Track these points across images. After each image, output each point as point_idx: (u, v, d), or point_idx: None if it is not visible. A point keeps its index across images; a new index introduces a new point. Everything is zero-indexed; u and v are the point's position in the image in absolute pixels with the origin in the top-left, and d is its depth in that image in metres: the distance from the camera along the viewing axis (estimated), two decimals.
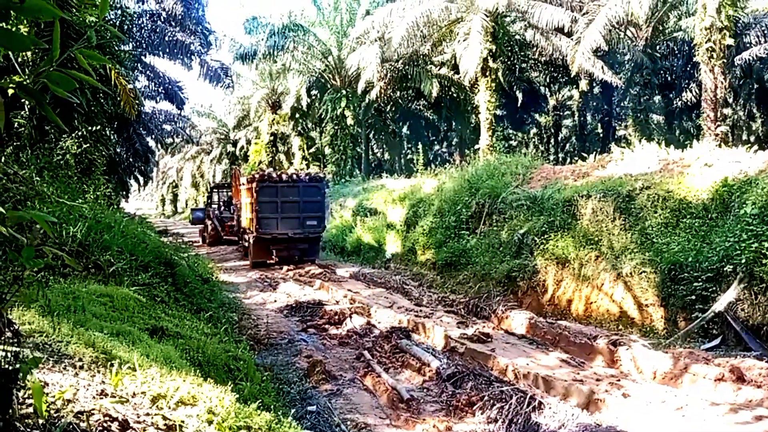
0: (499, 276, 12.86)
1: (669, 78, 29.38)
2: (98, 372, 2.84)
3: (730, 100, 27.07)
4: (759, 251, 8.33)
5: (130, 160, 29.83)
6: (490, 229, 14.63)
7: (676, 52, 27.91)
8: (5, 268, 1.95)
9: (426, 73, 28.66)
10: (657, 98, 29.50)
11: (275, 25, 29.16)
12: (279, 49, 29.01)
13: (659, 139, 16.98)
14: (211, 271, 12.50)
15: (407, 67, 29.32)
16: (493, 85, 22.94)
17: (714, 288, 8.78)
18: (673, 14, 26.64)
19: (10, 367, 1.82)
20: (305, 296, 12.90)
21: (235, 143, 53.54)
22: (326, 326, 10.11)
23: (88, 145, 11.75)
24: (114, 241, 7.43)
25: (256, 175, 19.51)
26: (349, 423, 5.67)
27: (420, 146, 37.16)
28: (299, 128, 37.02)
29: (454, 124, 35.87)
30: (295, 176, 19.57)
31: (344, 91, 31.51)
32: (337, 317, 10.48)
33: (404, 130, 40.62)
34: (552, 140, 43.87)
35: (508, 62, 28.00)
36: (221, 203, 29.52)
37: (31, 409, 1.95)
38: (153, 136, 32.75)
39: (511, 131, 40.03)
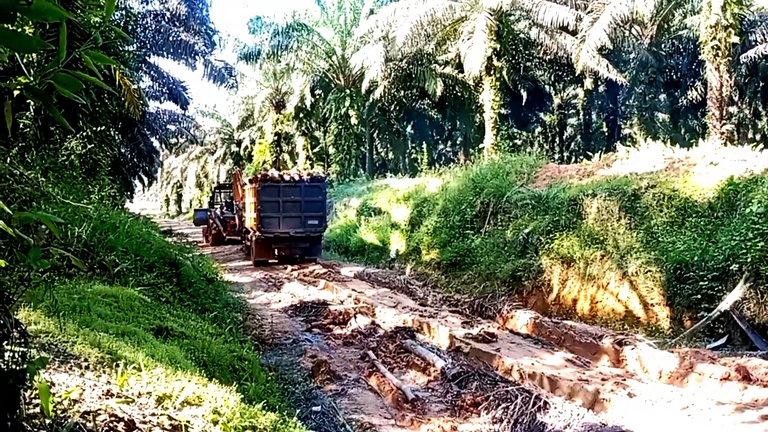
0: (504, 275, 12.84)
1: (674, 76, 29.29)
2: (104, 372, 2.85)
3: (736, 99, 26.97)
4: (765, 250, 8.30)
5: (135, 160, 29.95)
6: (494, 229, 14.61)
7: (682, 50, 27.81)
8: (12, 268, 1.96)
9: (430, 72, 28.65)
10: (662, 97, 29.41)
11: (279, 25, 29.19)
12: (283, 48, 29.04)
13: (665, 137, 16.97)
14: (216, 271, 12.52)
15: (411, 66, 29.32)
16: (498, 83, 22.91)
17: (720, 287, 8.74)
18: (678, 12, 26.56)
19: (18, 367, 1.83)
20: (309, 296, 12.91)
21: (239, 143, 53.62)
22: (331, 326, 10.11)
23: (92, 145, 11.79)
24: (119, 242, 7.45)
25: (259, 175, 19.80)
26: (353, 423, 5.67)
27: (424, 145, 37.14)
28: (303, 128, 37.04)
29: (458, 123, 35.84)
30: (296, 176, 19.82)
31: (348, 91, 31.51)
32: (341, 317, 10.49)
33: (408, 129, 40.61)
34: (557, 139, 43.81)
35: (513, 61, 27.98)
36: (223, 204, 29.82)
37: (38, 409, 1.96)
38: (157, 137, 32.85)
39: (515, 130, 39.98)
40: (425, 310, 11.30)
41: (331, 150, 33.95)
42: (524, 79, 31.49)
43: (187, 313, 7.18)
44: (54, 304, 3.53)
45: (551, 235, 12.37)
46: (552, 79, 36.46)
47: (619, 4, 19.28)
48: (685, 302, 9.19)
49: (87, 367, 2.87)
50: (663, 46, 27.17)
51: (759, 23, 23.16)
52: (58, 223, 1.76)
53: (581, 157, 19.61)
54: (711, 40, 16.22)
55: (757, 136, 28.51)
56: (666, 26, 26.52)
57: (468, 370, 7.03)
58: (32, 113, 10.23)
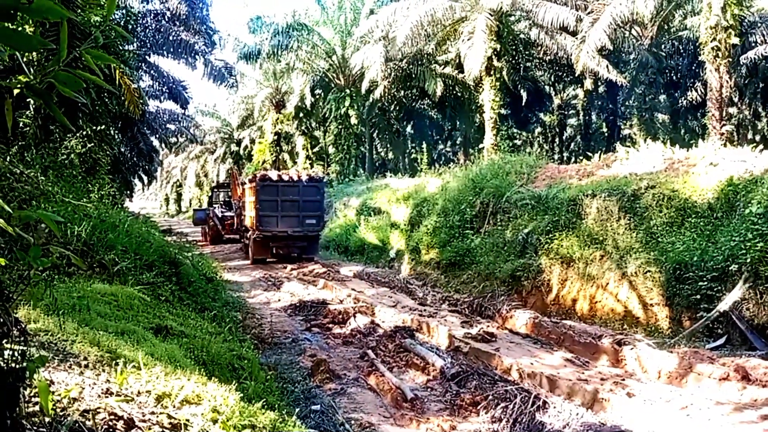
0: (504, 275, 12.84)
1: (674, 77, 29.29)
2: (103, 371, 2.85)
3: (736, 99, 26.94)
4: (764, 250, 8.31)
5: (135, 159, 29.94)
6: (494, 229, 14.62)
7: (682, 51, 27.81)
8: (12, 266, 1.96)
9: (430, 73, 28.65)
10: (662, 97, 29.41)
11: (279, 25, 29.19)
12: (283, 48, 29.04)
13: (664, 138, 16.97)
14: (215, 270, 12.52)
15: (411, 66, 29.32)
16: (498, 84, 22.90)
17: (719, 287, 8.75)
18: (678, 13, 26.56)
19: (17, 366, 1.83)
20: (309, 295, 12.92)
21: (239, 143, 53.62)
22: (330, 325, 10.11)
23: (92, 144, 11.78)
24: (118, 241, 7.45)
25: (258, 175, 20.14)
26: (353, 422, 5.67)
27: (424, 145, 37.17)
28: (303, 128, 37.03)
29: (458, 123, 35.83)
30: (295, 176, 20.11)
31: (348, 91, 31.51)
32: (341, 316, 10.49)
33: (408, 129, 40.61)
34: (557, 139, 43.79)
35: (513, 61, 27.98)
36: (222, 203, 29.99)
37: (37, 408, 1.96)
38: (157, 136, 32.84)
39: (515, 130, 39.97)
40: (424, 310, 11.31)
41: (331, 150, 33.95)
42: (524, 80, 31.49)
43: (187, 312, 7.19)
44: (54, 302, 3.54)
45: (551, 235, 12.38)
46: (552, 79, 36.45)
47: (619, 4, 19.29)
48: (685, 302, 9.20)
49: (86, 366, 2.87)
50: (663, 46, 27.18)
51: (759, 24, 23.16)
52: (57, 221, 1.76)
53: (581, 157, 19.61)
54: (711, 41, 16.22)
55: (757, 137, 28.50)
56: (666, 27, 26.53)
57: (467, 369, 7.04)
58: (32, 112, 10.24)
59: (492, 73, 22.60)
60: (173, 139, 40.76)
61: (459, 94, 31.05)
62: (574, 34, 22.44)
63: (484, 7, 21.94)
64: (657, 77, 26.24)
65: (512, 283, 12.68)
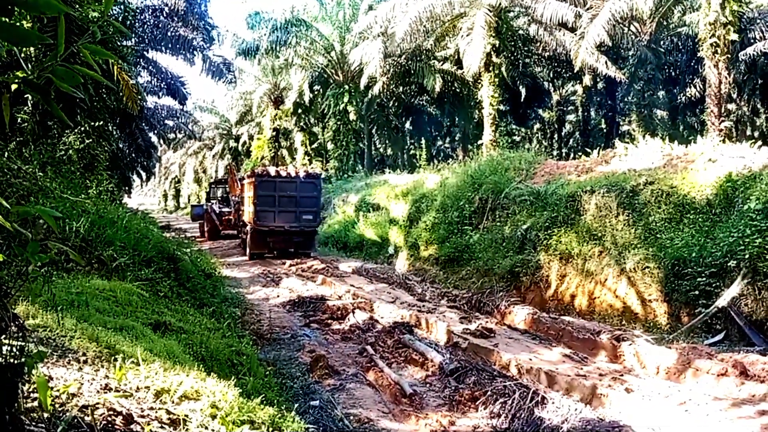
0: (502, 271, 12.85)
1: (673, 73, 29.29)
2: (102, 366, 2.85)
3: (734, 96, 26.97)
4: (763, 246, 8.32)
5: (133, 155, 29.93)
6: (493, 225, 14.63)
7: (680, 47, 27.80)
8: (10, 262, 1.96)
9: (429, 69, 28.61)
10: (661, 93, 29.41)
11: (278, 20, 29.10)
12: (281, 44, 28.97)
13: (663, 134, 16.99)
14: (214, 266, 12.52)
15: (410, 62, 29.27)
16: (497, 80, 22.87)
17: (717, 283, 8.77)
18: (677, 9, 26.53)
19: (16, 361, 1.83)
20: (308, 291, 12.92)
21: (237, 139, 53.58)
22: (329, 321, 10.12)
23: (90, 140, 11.77)
24: (117, 237, 7.45)
25: (256, 171, 20.44)
26: (352, 417, 5.68)
27: (423, 141, 37.15)
28: (302, 124, 36.99)
29: (457, 119, 35.81)
30: (292, 172, 20.39)
31: (347, 87, 31.47)
32: (339, 312, 10.50)
33: (407, 125, 40.58)
34: (555, 135, 43.78)
35: (512, 57, 27.93)
36: (219, 199, 30.10)
37: (36, 403, 1.96)
38: (155, 132, 32.81)
39: (514, 126, 39.92)
40: (423, 306, 11.32)
41: (330, 146, 33.92)
42: (523, 76, 31.44)
43: (186, 307, 7.19)
44: (52, 298, 3.54)
45: (549, 231, 12.39)
46: (551, 75, 36.41)
47: (618, 0, 19.27)
48: (683, 298, 9.22)
49: (85, 362, 2.87)
50: (662, 43, 27.15)
51: (758, 20, 23.15)
52: (56, 217, 1.76)
53: (580, 153, 19.64)
54: (710, 38, 16.21)
55: (756, 134, 28.50)
56: (665, 23, 26.50)
57: (466, 365, 7.05)
58: (30, 108, 10.21)
59: (491, 69, 22.57)
60: (172, 135, 40.72)
61: (458, 90, 31.01)
62: (573, 30, 22.44)
63: (483, 2, 21.90)
64: (656, 73, 26.23)
65: (511, 279, 12.69)
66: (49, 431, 1.90)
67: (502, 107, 26.68)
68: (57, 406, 2.09)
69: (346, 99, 31.25)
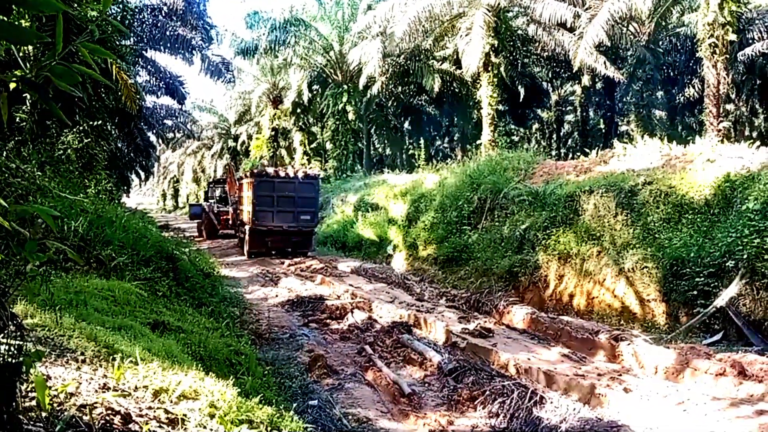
0: (501, 271, 12.86)
1: (671, 73, 29.32)
2: (100, 366, 2.85)
3: (733, 96, 27.01)
4: (761, 247, 8.33)
5: (132, 155, 29.90)
6: (491, 225, 14.63)
7: (679, 47, 27.83)
8: (8, 262, 1.96)
9: (428, 68, 28.62)
10: (659, 94, 29.43)
11: (276, 20, 29.09)
12: (280, 43, 28.97)
13: (661, 134, 16.99)
14: (213, 266, 12.52)
15: (409, 62, 29.28)
16: (495, 80, 22.88)
17: (716, 283, 8.78)
18: (675, 9, 26.55)
19: (14, 361, 1.83)
20: (307, 291, 12.92)
21: (236, 138, 53.55)
22: (328, 321, 10.12)
23: (89, 140, 11.77)
24: (115, 236, 7.44)
25: (255, 171, 20.71)
26: (350, 417, 5.68)
27: (422, 141, 37.10)
28: (300, 123, 36.98)
29: (455, 119, 35.82)
30: (291, 173, 20.60)
31: (346, 86, 31.47)
32: (338, 312, 10.50)
33: (406, 125, 40.57)
34: (554, 136, 43.76)
35: (511, 57, 27.94)
36: (217, 198, 30.18)
37: (34, 403, 1.96)
38: (154, 131, 32.79)
39: (513, 126, 39.93)
40: (422, 306, 11.32)
41: (329, 145, 33.92)
42: (522, 76, 31.44)
43: (184, 307, 7.18)
44: (50, 297, 3.54)
45: (548, 231, 12.39)
46: (549, 75, 36.42)
47: (617, 0, 19.28)
48: (681, 298, 9.23)
49: (83, 361, 2.87)
50: (660, 43, 27.17)
51: (756, 21, 23.19)
52: (54, 216, 1.75)
53: (578, 153, 19.66)
54: (708, 38, 16.22)
55: (754, 134, 28.53)
56: (664, 23, 26.52)
57: (464, 364, 7.05)
58: (29, 107, 10.20)
59: (490, 69, 22.57)
60: (170, 135, 40.73)
61: (457, 90, 31.03)
62: (571, 30, 22.44)
63: (482, 2, 21.90)
64: (654, 74, 26.24)
65: (509, 279, 12.70)
66: (48, 430, 1.90)
67: (500, 107, 26.70)
68: (55, 405, 2.09)
69: (344, 99, 31.26)
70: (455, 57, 27.07)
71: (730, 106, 25.66)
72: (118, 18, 15.16)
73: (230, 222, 26.12)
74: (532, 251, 12.58)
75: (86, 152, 11.80)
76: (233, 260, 19.85)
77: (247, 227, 20.79)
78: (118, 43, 14.18)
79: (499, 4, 21.86)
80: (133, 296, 5.70)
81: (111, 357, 3.00)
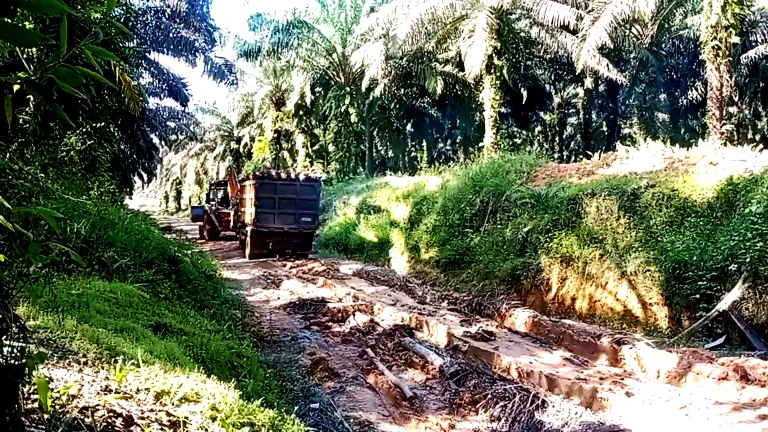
0: (503, 274, 12.84)
1: (674, 76, 29.29)
2: (102, 368, 2.85)
3: (736, 99, 26.94)
4: (764, 250, 8.31)
5: (134, 156, 29.97)
6: (494, 227, 14.62)
7: (682, 50, 27.81)
8: (11, 263, 1.96)
9: (430, 71, 28.63)
10: (662, 96, 29.39)
11: (279, 22, 29.15)
12: (283, 46, 29.02)
13: (664, 137, 16.96)
14: (215, 268, 12.52)
15: (412, 64, 29.30)
16: (498, 82, 22.90)
17: (718, 287, 8.75)
18: (678, 12, 26.54)
19: (16, 362, 1.83)
20: (308, 294, 12.91)
21: (238, 140, 53.60)
22: (329, 324, 10.11)
23: (92, 141, 11.77)
24: (118, 238, 7.44)
25: (257, 173, 20.91)
26: (352, 420, 5.67)
27: (424, 144, 37.15)
28: (303, 125, 37.02)
29: (458, 121, 35.82)
30: (292, 175, 20.90)
31: (348, 89, 31.49)
32: (340, 315, 10.49)
33: (408, 127, 40.59)
34: (557, 138, 43.78)
35: (513, 60, 27.96)
36: (219, 200, 30.31)
37: (36, 404, 1.96)
38: (157, 133, 32.85)
39: (515, 129, 39.95)
40: (424, 308, 11.31)
41: (331, 148, 33.94)
42: (524, 78, 31.45)
43: (186, 309, 7.18)
44: (53, 299, 3.54)
45: (550, 234, 12.38)
46: (552, 78, 36.44)
47: (620, 3, 19.27)
48: (684, 302, 9.20)
49: (85, 363, 2.87)
50: (663, 45, 27.16)
51: (760, 23, 23.17)
52: (57, 218, 1.76)
53: (581, 156, 19.63)
54: (711, 40, 16.21)
55: (757, 137, 28.49)
56: (666, 26, 26.51)
57: (466, 368, 7.04)
58: (32, 109, 10.21)
59: (492, 71, 22.59)
60: (173, 137, 40.77)
61: (459, 93, 31.04)
62: (574, 32, 22.43)
63: (485, 5, 21.93)
64: (657, 76, 26.23)
65: (512, 282, 12.68)
66: None
67: (503, 110, 26.75)
68: (57, 407, 2.09)
69: (347, 101, 31.28)
70: (458, 59, 27.09)
71: (733, 109, 25.60)
72: (122, 20, 15.21)
73: (232, 224, 26.26)
74: (534, 254, 12.56)
75: (89, 154, 11.81)
76: (235, 262, 19.86)
77: (248, 229, 20.93)
78: (121, 45, 14.20)
79: (501, 6, 21.88)
80: (135, 298, 5.70)
81: (113, 359, 3.00)
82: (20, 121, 9.98)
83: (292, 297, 12.66)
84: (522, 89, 31.71)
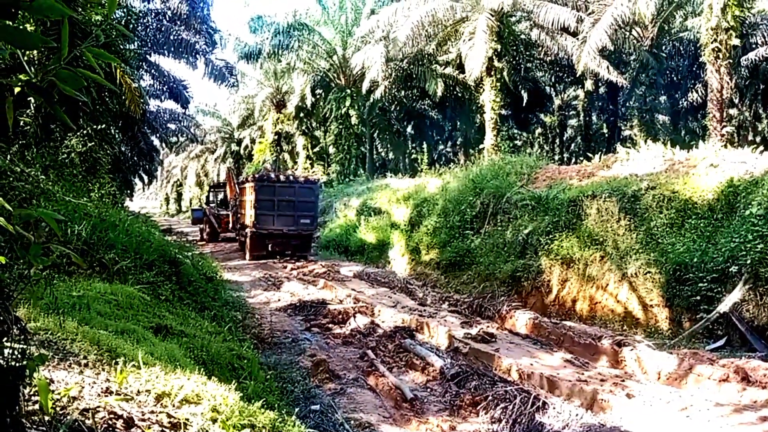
0: (504, 276, 12.84)
1: (675, 78, 29.31)
2: (103, 370, 2.85)
3: (736, 101, 26.93)
4: (764, 252, 8.31)
5: (135, 158, 29.97)
6: (494, 229, 14.62)
7: (682, 52, 27.84)
8: (12, 265, 1.96)
9: (431, 73, 28.66)
10: (663, 98, 29.41)
11: (280, 24, 29.20)
12: (284, 48, 29.07)
13: (665, 139, 16.93)
14: (215, 270, 12.51)
15: (412, 66, 29.33)
16: (498, 84, 22.92)
17: (719, 289, 8.75)
18: (679, 14, 26.58)
19: (17, 364, 1.83)
20: (309, 295, 12.91)
21: (239, 142, 53.64)
22: (330, 325, 10.11)
23: (93, 143, 11.77)
24: (119, 240, 7.44)
25: (256, 175, 21.31)
26: (352, 422, 5.66)
27: (424, 146, 37.13)
28: (304, 127, 37.05)
29: (458, 123, 35.84)
30: (291, 177, 21.28)
31: (349, 91, 31.52)
32: (340, 316, 10.49)
33: (409, 129, 40.62)
34: (557, 140, 43.80)
35: (514, 62, 27.99)
36: (218, 202, 30.44)
37: (37, 406, 1.96)
38: (157, 135, 32.83)
39: (515, 131, 40.01)
40: (424, 310, 11.31)
41: (332, 150, 33.96)
42: (525, 80, 31.48)
43: (187, 311, 7.18)
44: (54, 301, 3.54)
45: (551, 236, 12.37)
46: (552, 80, 36.47)
47: (620, 5, 19.30)
48: (685, 303, 9.20)
49: (86, 365, 2.87)
50: (664, 47, 27.18)
51: (760, 25, 23.19)
52: (58, 220, 1.76)
53: (581, 158, 19.62)
54: (712, 43, 16.22)
55: (758, 139, 28.52)
56: (667, 28, 26.54)
57: (467, 369, 7.04)
58: (33, 111, 10.22)
59: (493, 73, 22.61)
60: (174, 139, 40.77)
61: (460, 95, 31.06)
62: (575, 34, 22.46)
63: (485, 7, 21.94)
64: (657, 78, 26.24)
65: (512, 284, 12.67)
66: None
67: (503, 112, 26.78)
68: (58, 409, 2.09)
69: (348, 103, 31.31)
70: (458, 61, 27.12)
71: (733, 111, 25.57)
72: (123, 22, 15.23)
73: (231, 225, 26.41)
74: (535, 256, 12.56)
75: (90, 156, 11.81)
76: (235, 264, 19.86)
77: (248, 230, 21.12)
78: (122, 47, 14.21)
79: (502, 8, 21.89)
80: (135, 300, 5.70)
81: (114, 361, 3.00)
82: (21, 123, 9.98)
83: (293, 299, 12.66)
84: (522, 91, 31.73)
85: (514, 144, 34.03)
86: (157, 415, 2.39)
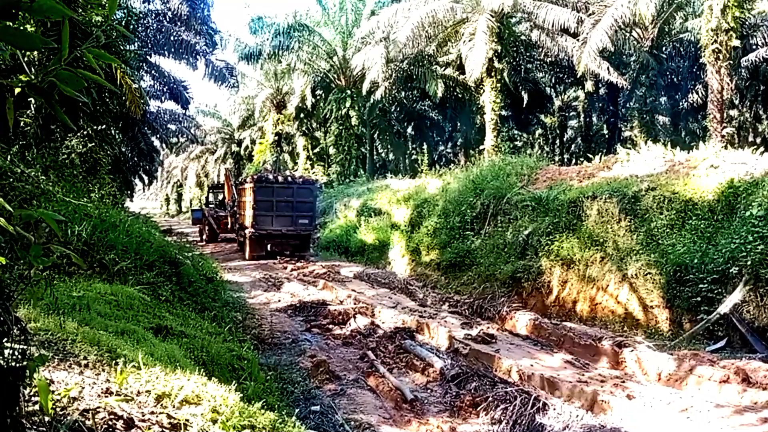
0: (504, 277, 12.83)
1: (675, 79, 29.31)
2: (103, 370, 2.85)
3: (737, 102, 26.95)
4: (765, 253, 8.30)
5: (135, 159, 29.98)
6: (494, 230, 14.61)
7: (682, 53, 27.83)
8: (12, 266, 1.96)
9: (431, 74, 28.67)
10: (663, 99, 29.41)
11: (280, 25, 29.21)
12: (284, 49, 29.09)
13: (665, 140, 16.94)
14: (215, 271, 12.51)
15: (412, 67, 29.33)
16: (499, 85, 22.93)
17: (719, 290, 8.74)
18: (679, 15, 26.56)
19: (18, 365, 1.83)
20: (309, 296, 12.91)
21: (239, 143, 53.65)
22: (330, 326, 10.11)
23: (93, 144, 11.77)
24: (119, 240, 7.44)
25: (255, 176, 21.43)
26: (352, 423, 5.66)
27: (425, 146, 37.14)
28: (304, 128, 37.06)
29: (458, 124, 35.84)
30: (289, 178, 21.48)
31: (349, 91, 31.53)
32: (341, 317, 10.49)
33: (409, 130, 40.63)
34: (557, 141, 43.80)
35: (514, 63, 28.02)
36: (217, 203, 30.56)
37: (37, 407, 1.96)
38: (158, 136, 32.86)
39: (516, 132, 40.01)
40: (425, 311, 11.30)
41: (332, 150, 33.97)
42: (525, 81, 31.49)
43: (187, 312, 7.18)
44: (54, 302, 3.54)
45: (551, 237, 12.37)
46: (553, 81, 36.45)
47: (620, 6, 19.30)
48: (685, 305, 9.19)
49: (86, 365, 2.87)
50: (664, 48, 27.18)
51: (760, 26, 23.19)
52: (58, 221, 1.76)
53: (581, 159, 19.60)
54: (712, 44, 16.22)
55: (758, 140, 28.52)
56: (667, 29, 26.53)
57: (467, 370, 7.03)
58: (33, 111, 10.23)
59: (493, 74, 22.62)
60: (174, 140, 40.80)
61: (460, 96, 31.06)
62: (575, 35, 22.47)
63: (485, 8, 21.96)
64: (658, 79, 26.24)
65: (512, 285, 12.67)
66: None
67: (503, 112, 26.79)
68: (58, 409, 2.09)
69: (348, 104, 31.33)
70: (458, 62, 27.13)
71: (733, 112, 25.59)
72: (123, 23, 15.23)
73: (230, 226, 26.53)
74: (535, 257, 12.55)
75: (90, 156, 11.81)
76: (235, 264, 19.86)
77: (247, 231, 21.27)
78: (122, 48, 14.22)
79: (502, 9, 21.91)
80: (136, 301, 5.70)
81: (114, 361, 3.00)
82: (21, 123, 9.99)
83: (293, 299, 12.66)
84: (522, 92, 31.73)
85: (515, 145, 34.06)
86: (157, 416, 2.39)
